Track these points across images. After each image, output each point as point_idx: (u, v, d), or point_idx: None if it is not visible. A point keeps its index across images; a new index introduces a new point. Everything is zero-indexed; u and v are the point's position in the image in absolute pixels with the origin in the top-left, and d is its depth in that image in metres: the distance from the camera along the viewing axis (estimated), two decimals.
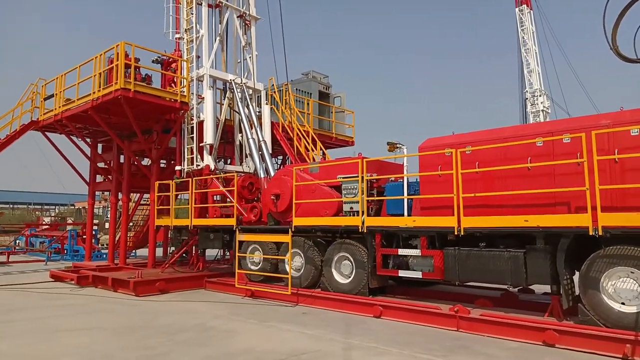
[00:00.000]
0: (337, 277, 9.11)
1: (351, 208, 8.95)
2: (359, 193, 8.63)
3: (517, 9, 37.71)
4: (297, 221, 9.52)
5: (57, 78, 13.85)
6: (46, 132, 15.26)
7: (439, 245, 7.80)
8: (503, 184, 7.17)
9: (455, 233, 7.22)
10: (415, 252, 8.02)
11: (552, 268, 6.56)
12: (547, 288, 7.25)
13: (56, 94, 13.79)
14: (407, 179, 8.60)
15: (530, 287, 8.14)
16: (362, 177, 8.48)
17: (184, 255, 13.52)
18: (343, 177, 9.20)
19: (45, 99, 14.52)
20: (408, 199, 8.43)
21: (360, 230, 8.44)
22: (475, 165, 7.39)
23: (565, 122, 7.17)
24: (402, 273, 8.21)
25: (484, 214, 7.13)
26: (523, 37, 37.45)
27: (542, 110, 36.41)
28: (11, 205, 64.20)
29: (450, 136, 8.00)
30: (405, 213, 8.40)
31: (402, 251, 8.19)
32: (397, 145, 8.62)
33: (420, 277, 7.97)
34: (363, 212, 8.49)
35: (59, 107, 13.57)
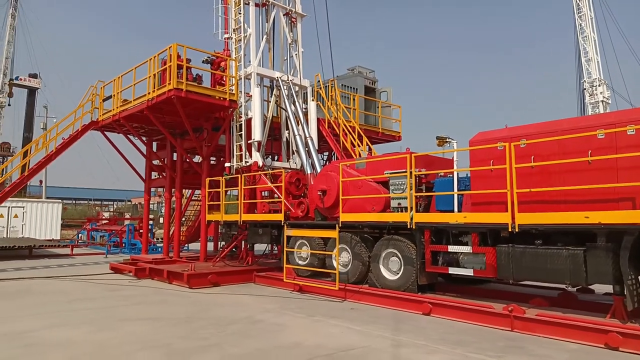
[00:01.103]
0: (385, 273, 9.04)
1: (399, 204, 8.84)
2: (407, 189, 8.50)
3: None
4: (344, 217, 9.52)
5: (114, 80, 14.56)
6: (105, 132, 16.11)
7: (492, 242, 7.56)
8: (561, 179, 6.83)
9: (509, 230, 6.97)
10: (466, 249, 7.81)
11: (615, 267, 6.19)
12: (608, 288, 6.86)
13: (114, 95, 14.51)
14: (457, 174, 8.37)
15: (590, 287, 7.73)
16: (411, 173, 8.35)
17: (233, 249, 13.89)
18: (390, 173, 9.09)
19: (104, 100, 15.30)
20: (458, 194, 8.22)
21: (408, 227, 8.33)
22: (531, 159, 7.09)
23: (629, 112, 6.73)
24: (452, 270, 8.03)
25: (540, 210, 6.84)
26: (580, 24, 35.46)
27: (602, 101, 34.36)
28: (74, 201, 68.28)
29: (503, 129, 7.71)
30: (456, 209, 8.20)
31: (452, 248, 8.00)
32: (447, 140, 8.41)
33: (472, 274, 7.76)
34: (412, 208, 8.37)
35: (117, 107, 14.27)
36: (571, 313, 6.92)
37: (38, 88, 54.35)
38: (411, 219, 8.29)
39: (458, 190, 8.25)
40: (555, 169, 6.88)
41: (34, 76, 54.34)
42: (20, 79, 53.31)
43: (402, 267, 8.70)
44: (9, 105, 53.28)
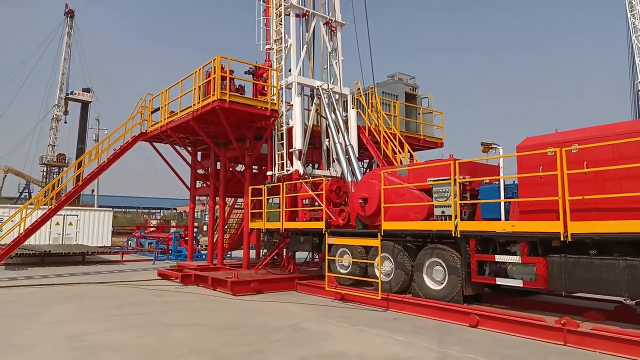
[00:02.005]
0: (429, 283, 8.85)
1: (443, 212, 8.65)
2: (451, 196, 8.32)
3: None
4: (386, 225, 9.42)
5: (162, 93, 15.13)
6: (153, 142, 16.73)
7: (542, 252, 7.25)
8: (616, 185, 6.48)
9: (562, 239, 6.67)
10: (515, 258, 7.53)
11: None
12: None
13: (161, 107, 15.07)
14: (504, 181, 8.11)
15: None
16: (455, 180, 8.17)
17: (275, 257, 14.02)
18: (434, 180, 8.93)
19: (152, 112, 15.93)
20: (505, 202, 7.96)
21: (453, 235, 8.13)
22: (583, 165, 6.77)
23: None
24: (500, 281, 7.75)
25: (594, 219, 6.50)
26: (634, 23, 33.75)
27: None
28: (123, 210, 71.23)
29: (553, 134, 7.41)
30: (503, 217, 7.93)
31: (499, 257, 7.74)
32: (492, 146, 8.16)
33: (521, 285, 7.47)
34: (456, 216, 8.17)
35: (164, 119, 14.80)
36: (630, 327, 6.52)
37: (90, 102, 57.31)
38: (456, 227, 8.09)
39: (505, 197, 7.99)
40: (611, 175, 6.53)
41: (87, 90, 57.39)
42: (75, 93, 56.47)
43: (447, 277, 8.49)
44: (65, 122, 56.56)
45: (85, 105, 57.43)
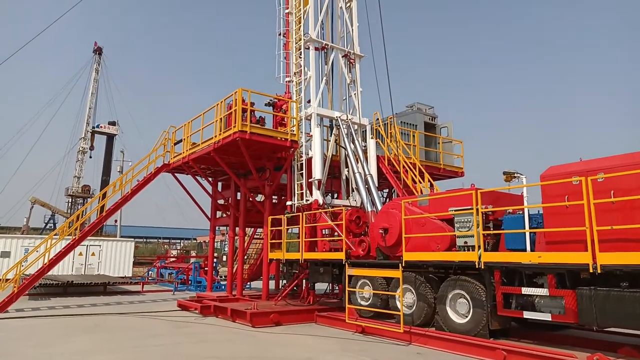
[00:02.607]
0: (453, 316, 8.60)
1: (465, 242, 8.47)
2: (474, 226, 8.16)
3: None
4: (407, 256, 9.26)
5: (184, 125, 15.50)
6: (175, 173, 17.02)
7: (570, 284, 7.00)
8: None
9: (590, 271, 6.44)
10: (542, 291, 7.27)
11: None
12: None
13: (184, 139, 15.40)
14: (528, 210, 7.94)
15: None
16: (477, 210, 8.03)
17: (294, 288, 13.87)
18: (455, 210, 8.80)
19: (175, 144, 16.28)
20: (530, 232, 7.76)
21: (477, 267, 7.94)
22: (610, 194, 6.59)
23: None
24: (527, 314, 7.48)
25: (624, 250, 6.28)
26: None
27: None
28: (145, 240, 72.00)
29: (578, 163, 7.27)
30: (528, 248, 7.73)
31: (526, 290, 7.49)
32: (515, 175, 8.04)
33: (549, 319, 7.18)
34: (479, 246, 7.99)
35: (186, 150, 15.10)
36: None
37: (116, 134, 58.94)
38: (479, 258, 7.90)
39: (530, 228, 7.80)
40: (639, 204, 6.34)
41: (113, 123, 59.12)
42: (101, 127, 58.22)
43: (471, 310, 8.24)
44: (90, 157, 58.21)
45: (110, 137, 59.05)
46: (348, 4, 15.26)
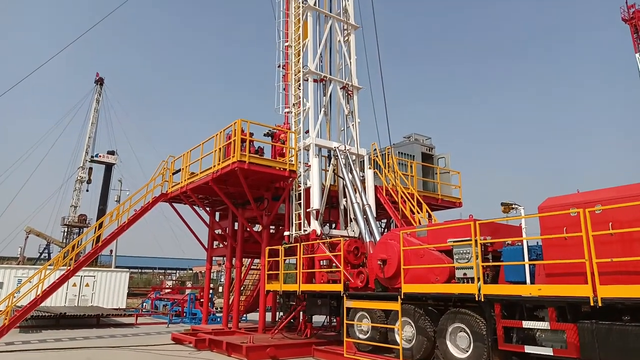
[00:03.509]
0: (453, 350, 8.42)
1: (465, 274, 8.39)
2: (472, 258, 8.10)
3: (637, 55, 34.78)
4: (406, 288, 9.15)
5: (183, 155, 15.57)
6: (173, 203, 16.97)
7: (571, 317, 6.89)
8: None
9: (591, 304, 6.36)
10: (543, 325, 7.16)
11: None
12: None
13: (183, 169, 15.45)
14: (527, 242, 7.91)
15: None
16: (476, 241, 7.99)
17: (292, 320, 13.62)
18: (454, 241, 8.75)
19: (173, 174, 16.31)
20: (530, 264, 7.70)
21: (476, 299, 7.83)
22: (608, 226, 6.58)
23: None
24: (528, 349, 7.33)
25: (625, 282, 6.22)
26: None
27: None
28: (140, 270, 71.08)
29: (575, 194, 7.30)
30: (528, 280, 7.65)
31: (526, 323, 7.37)
32: (513, 206, 8.05)
33: (551, 354, 7.03)
34: (479, 278, 7.91)
35: (185, 180, 15.12)
36: None
37: (114, 164, 59.08)
38: (479, 290, 7.81)
39: (529, 259, 7.75)
40: (639, 236, 6.32)
41: (112, 153, 59.37)
42: (100, 156, 58.42)
43: (472, 344, 8.07)
44: (87, 190, 58.15)
45: (109, 167, 59.16)
46: (346, 38, 15.63)
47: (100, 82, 61.23)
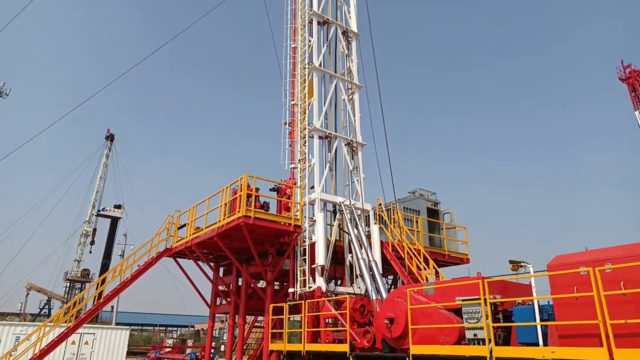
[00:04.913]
0: None
1: (475, 335, 8.11)
2: (482, 317, 7.87)
3: (636, 112, 35.43)
4: (415, 349, 8.82)
5: (189, 209, 15.65)
6: (177, 258, 16.85)
7: None
8: None
9: None
10: None
11: None
12: None
13: (188, 224, 15.46)
14: (538, 301, 7.70)
15: None
16: (485, 300, 7.80)
17: None
18: (462, 300, 8.54)
19: (179, 228, 16.32)
20: (542, 325, 7.46)
21: None
22: (620, 285, 6.43)
23: None
24: None
25: None
26: None
27: None
28: (140, 327, 69.26)
29: (584, 252, 7.19)
30: (540, 341, 7.38)
31: None
32: (521, 264, 7.91)
33: None
34: (490, 340, 7.64)
35: (190, 235, 15.09)
36: None
37: (120, 217, 59.19)
38: (490, 353, 7.52)
39: (540, 319, 7.51)
40: None
41: (118, 207, 59.64)
42: (107, 210, 58.68)
43: None
44: (90, 253, 57.89)
45: (114, 220, 59.21)
46: (350, 97, 16.12)
47: (110, 138, 62.70)
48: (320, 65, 15.45)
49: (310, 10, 15.84)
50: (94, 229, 57.78)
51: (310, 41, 15.56)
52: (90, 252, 57.64)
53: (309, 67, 15.32)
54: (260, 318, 18.41)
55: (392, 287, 16.29)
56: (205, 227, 14.33)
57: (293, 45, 16.61)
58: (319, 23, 15.87)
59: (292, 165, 15.54)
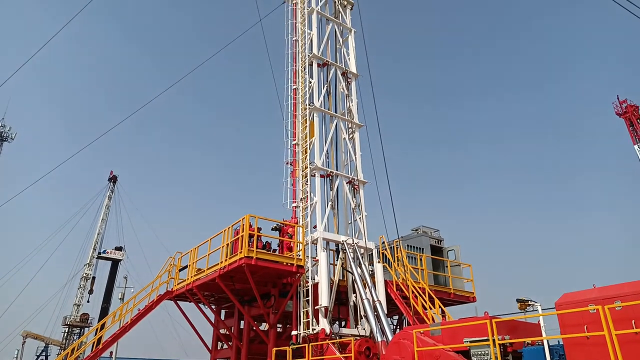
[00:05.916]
0: None
1: None
2: None
3: (635, 146, 35.67)
4: None
5: (191, 251, 15.51)
6: (177, 301, 16.55)
7: None
8: None
9: None
10: None
11: None
12: None
13: (189, 265, 15.29)
14: (548, 341, 7.49)
15: None
16: (494, 341, 7.59)
17: None
18: (471, 341, 8.31)
19: (180, 270, 16.12)
20: None
21: None
22: (631, 323, 6.27)
23: None
24: None
25: None
26: None
27: None
28: None
29: (591, 290, 7.06)
30: None
31: None
32: (529, 303, 7.75)
33: None
34: None
35: (191, 277, 14.89)
36: None
37: (121, 260, 58.51)
38: None
39: None
40: None
41: (119, 249, 59.02)
42: (107, 252, 58.10)
43: None
44: (88, 302, 56.88)
45: (115, 263, 58.44)
46: (351, 136, 16.31)
47: (113, 179, 63.01)
48: (320, 105, 15.73)
49: (311, 53, 16.28)
50: (93, 277, 56.96)
51: (310, 82, 15.91)
52: (88, 301, 56.56)
53: (309, 108, 15.58)
54: None
55: (398, 327, 15.90)
56: (207, 269, 14.16)
57: (294, 87, 16.96)
58: (319, 65, 16.27)
59: (294, 204, 15.53)
